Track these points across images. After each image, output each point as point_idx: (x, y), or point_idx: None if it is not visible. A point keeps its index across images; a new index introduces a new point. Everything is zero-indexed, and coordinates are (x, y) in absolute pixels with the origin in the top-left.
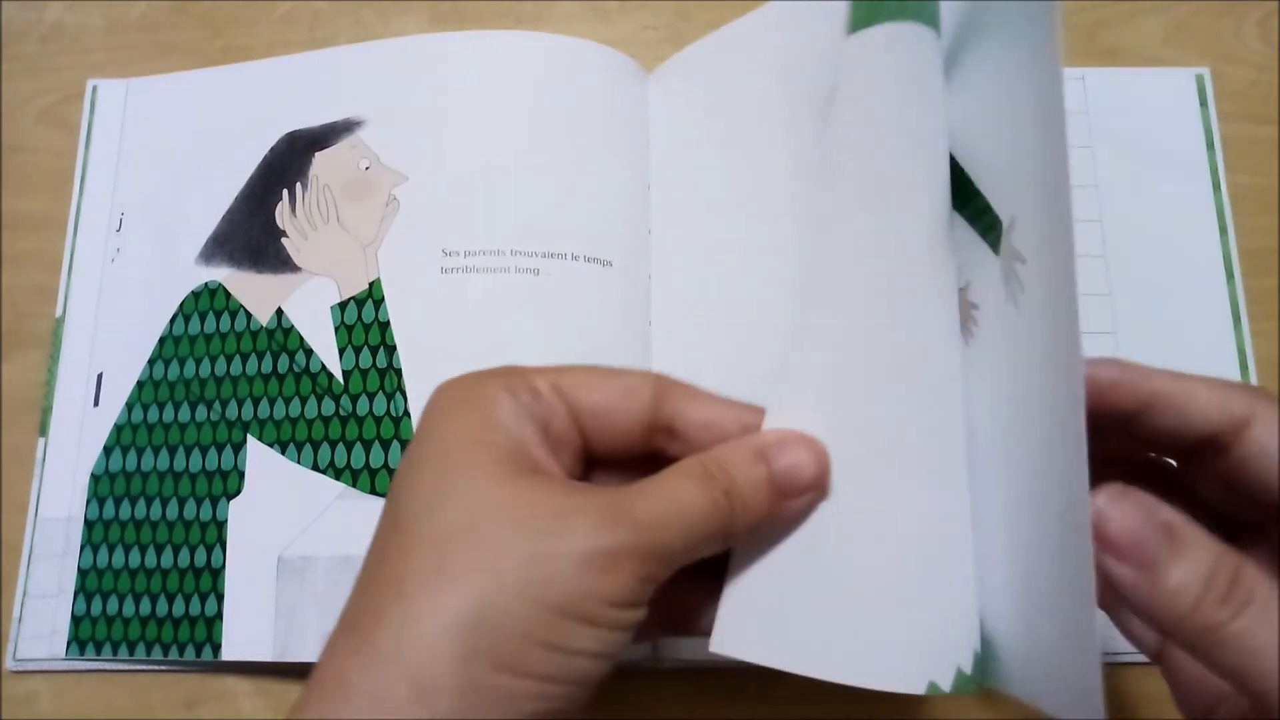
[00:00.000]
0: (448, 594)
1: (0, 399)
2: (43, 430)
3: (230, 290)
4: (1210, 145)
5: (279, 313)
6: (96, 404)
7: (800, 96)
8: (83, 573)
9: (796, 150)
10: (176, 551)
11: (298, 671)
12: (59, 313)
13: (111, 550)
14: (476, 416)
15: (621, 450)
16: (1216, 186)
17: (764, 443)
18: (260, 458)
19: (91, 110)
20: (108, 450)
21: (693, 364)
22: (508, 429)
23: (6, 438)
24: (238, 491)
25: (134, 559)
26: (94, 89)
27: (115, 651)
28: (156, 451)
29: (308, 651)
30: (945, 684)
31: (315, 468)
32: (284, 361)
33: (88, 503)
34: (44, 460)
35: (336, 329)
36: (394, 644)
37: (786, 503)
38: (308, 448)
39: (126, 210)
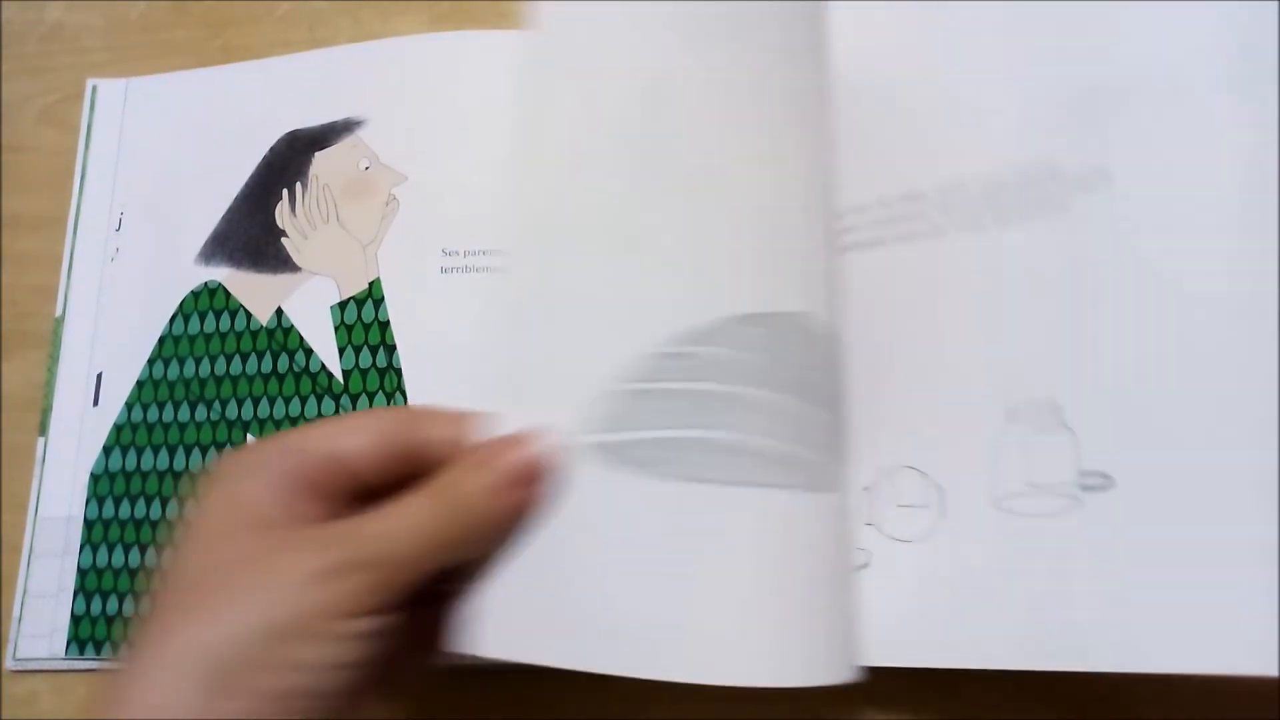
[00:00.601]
0: (183, 632)
1: (0, 399)
2: (42, 430)
3: (230, 290)
4: None
5: (279, 312)
6: (96, 404)
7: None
8: (82, 572)
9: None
10: None
11: None
12: (59, 312)
13: (111, 550)
14: (230, 486)
15: (390, 482)
16: None
17: (485, 450)
18: None
19: (91, 110)
20: (107, 450)
21: None
22: (256, 492)
23: (6, 437)
24: None
25: (134, 558)
26: (94, 89)
27: (115, 651)
28: (156, 451)
29: None
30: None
31: None
32: (284, 361)
33: (87, 502)
34: (44, 460)
35: (336, 328)
36: (137, 682)
37: (516, 495)
38: None
39: (126, 210)
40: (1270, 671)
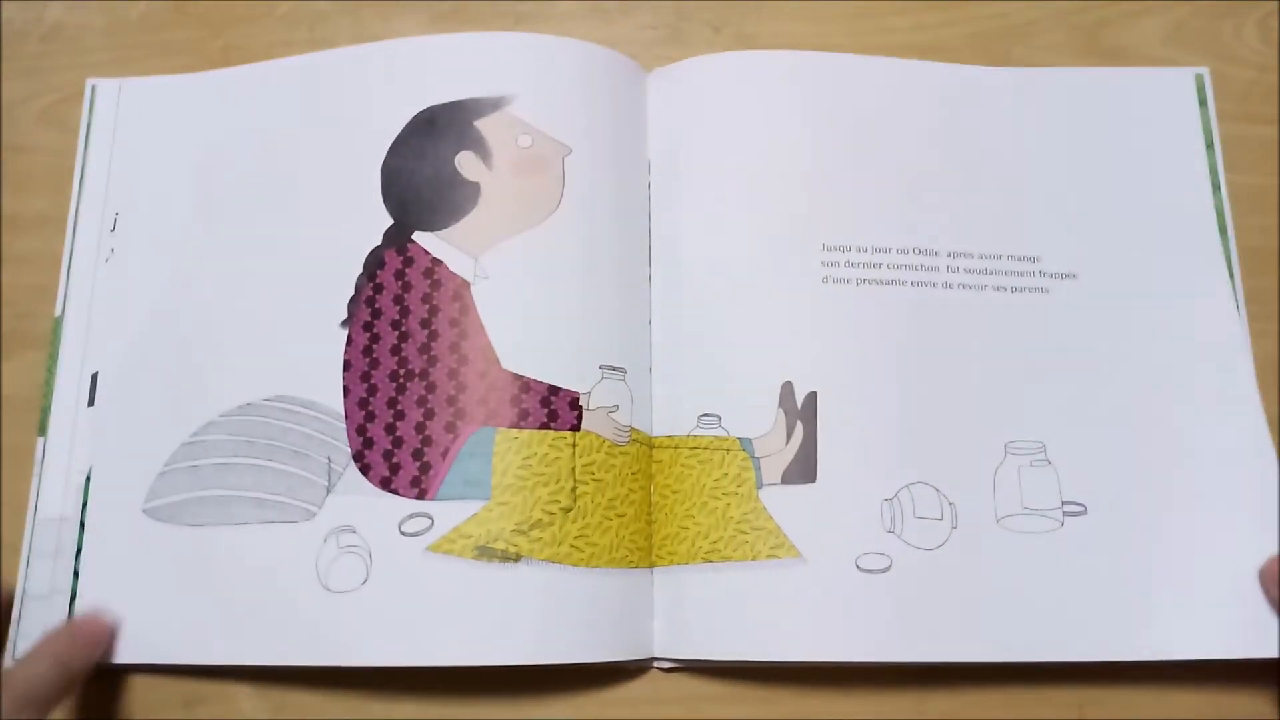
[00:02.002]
0: None
1: (0, 399)
2: (42, 430)
3: None
4: (1210, 146)
5: None
6: (91, 404)
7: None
8: (77, 574)
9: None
10: None
11: (298, 672)
12: (58, 312)
13: None
14: None
15: None
16: (1216, 187)
17: (57, 632)
18: None
19: (90, 110)
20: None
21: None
22: None
23: (6, 438)
24: None
25: None
26: (93, 89)
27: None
28: None
29: None
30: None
31: None
32: None
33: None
34: (43, 460)
35: None
36: None
37: (92, 653)
38: None
39: (121, 210)
40: (1207, 654)
